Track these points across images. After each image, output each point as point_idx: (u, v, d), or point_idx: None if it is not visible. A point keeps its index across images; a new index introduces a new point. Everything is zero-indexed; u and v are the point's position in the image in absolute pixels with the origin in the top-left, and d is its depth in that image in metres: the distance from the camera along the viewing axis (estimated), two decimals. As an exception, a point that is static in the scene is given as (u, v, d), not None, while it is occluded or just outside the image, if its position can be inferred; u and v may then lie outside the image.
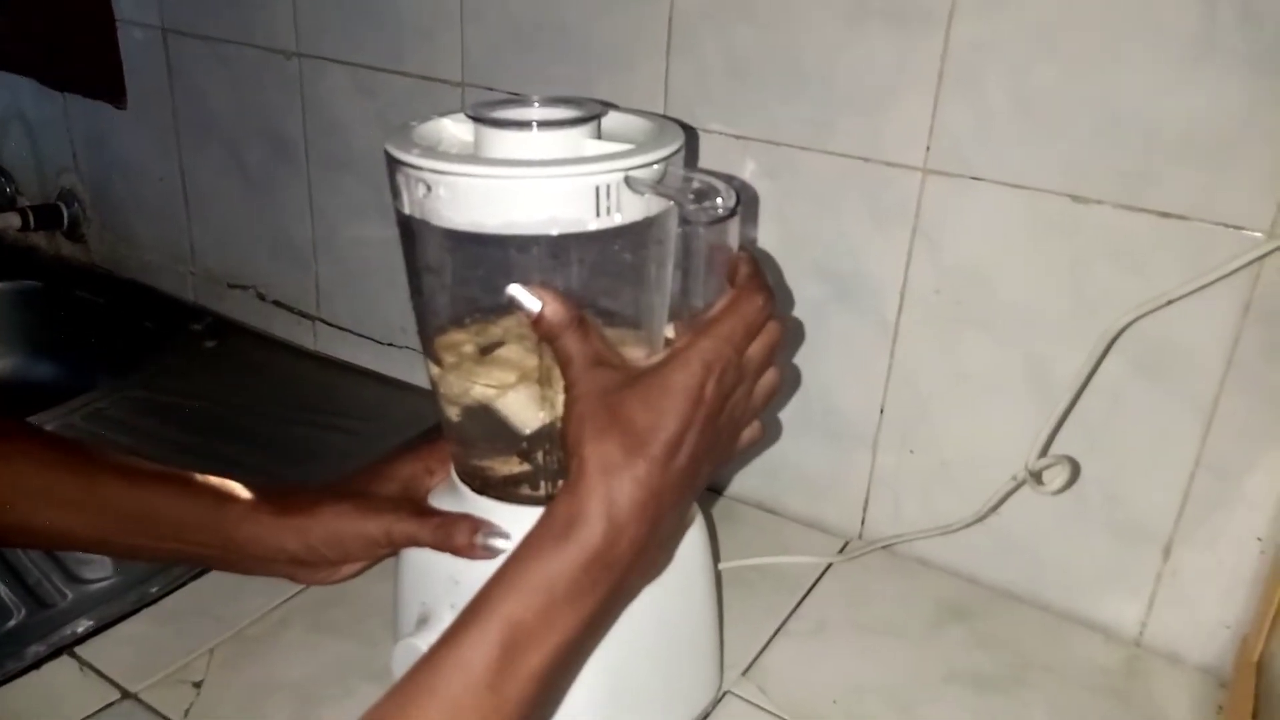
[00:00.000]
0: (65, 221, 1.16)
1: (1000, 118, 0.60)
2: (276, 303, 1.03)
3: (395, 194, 0.44)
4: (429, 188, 0.41)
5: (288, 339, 1.03)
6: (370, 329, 0.97)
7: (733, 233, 0.42)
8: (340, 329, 0.99)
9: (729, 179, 0.43)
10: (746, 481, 0.78)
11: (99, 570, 0.69)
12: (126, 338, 1.06)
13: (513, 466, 0.49)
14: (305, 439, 0.85)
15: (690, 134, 0.69)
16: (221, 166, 1.00)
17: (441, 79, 0.81)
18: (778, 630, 0.66)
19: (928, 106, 0.62)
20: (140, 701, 0.58)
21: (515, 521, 0.49)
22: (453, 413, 0.49)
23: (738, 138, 0.69)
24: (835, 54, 0.64)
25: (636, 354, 0.45)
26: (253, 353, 1.02)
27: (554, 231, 0.41)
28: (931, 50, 0.61)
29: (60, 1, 1.04)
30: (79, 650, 0.62)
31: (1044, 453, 0.59)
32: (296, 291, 1.01)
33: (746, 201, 0.68)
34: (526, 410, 0.47)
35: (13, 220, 1.15)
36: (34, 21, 1.08)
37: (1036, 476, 0.59)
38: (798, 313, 0.72)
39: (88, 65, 1.05)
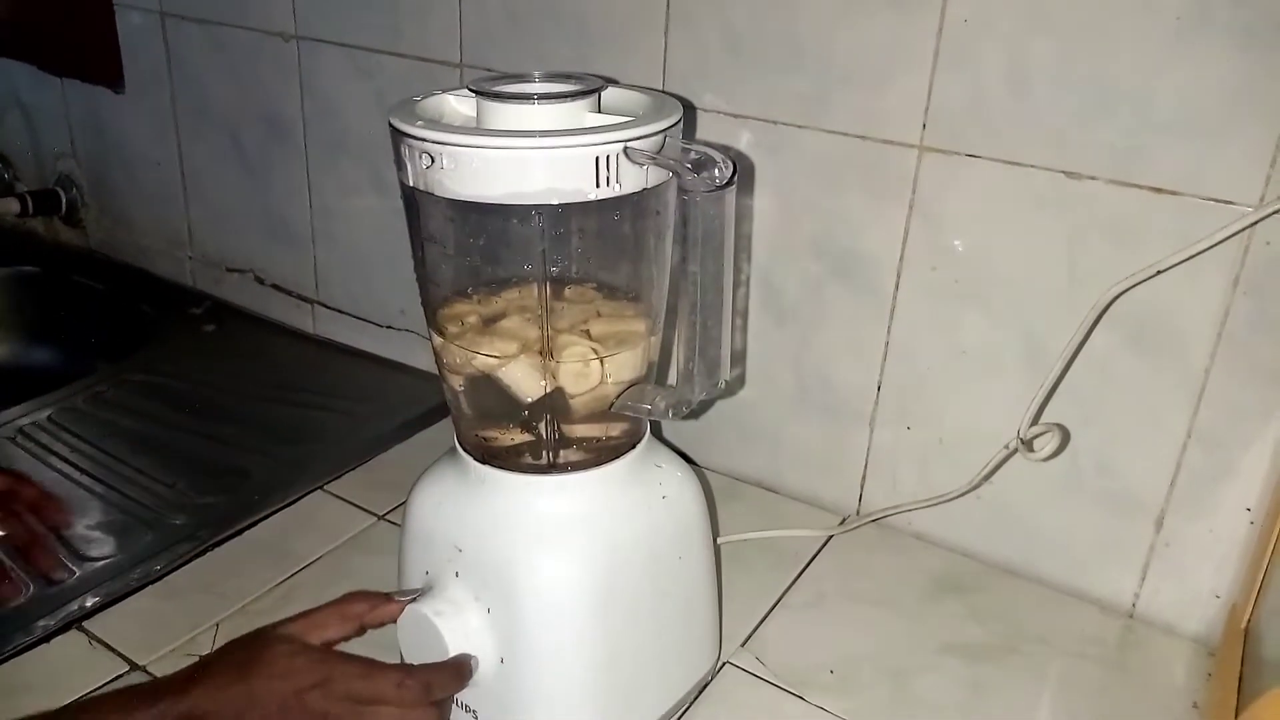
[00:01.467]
0: (63, 206, 1.16)
1: (995, 95, 0.61)
2: (275, 286, 1.03)
3: (399, 166, 0.44)
4: (433, 159, 0.42)
5: (286, 322, 1.03)
6: (369, 311, 0.97)
7: (729, 202, 0.42)
8: (339, 312, 0.99)
9: (725, 149, 0.43)
10: (745, 459, 0.79)
11: (104, 548, 0.70)
12: (125, 322, 1.06)
13: (515, 436, 0.49)
14: (304, 421, 0.86)
15: (688, 109, 0.69)
16: (219, 150, 1.01)
17: (439, 60, 0.82)
18: (776, 603, 0.66)
19: (924, 84, 0.63)
20: (148, 673, 0.59)
21: (519, 490, 0.49)
22: (456, 382, 0.50)
23: (736, 116, 0.70)
24: (832, 31, 0.64)
25: (637, 326, 0.46)
26: (251, 336, 1.02)
27: (555, 201, 0.41)
28: (927, 27, 0.61)
29: (57, -15, 1.04)
30: (87, 624, 0.62)
31: (1035, 421, 0.60)
32: (295, 275, 1.01)
33: (742, 172, 0.68)
34: (528, 380, 0.47)
35: (11, 206, 1.15)
36: (31, 6, 1.07)
37: (1028, 444, 0.60)
38: (795, 289, 0.72)
39: (85, 50, 1.05)
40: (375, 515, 0.75)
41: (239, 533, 0.72)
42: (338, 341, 1.00)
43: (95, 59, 1.05)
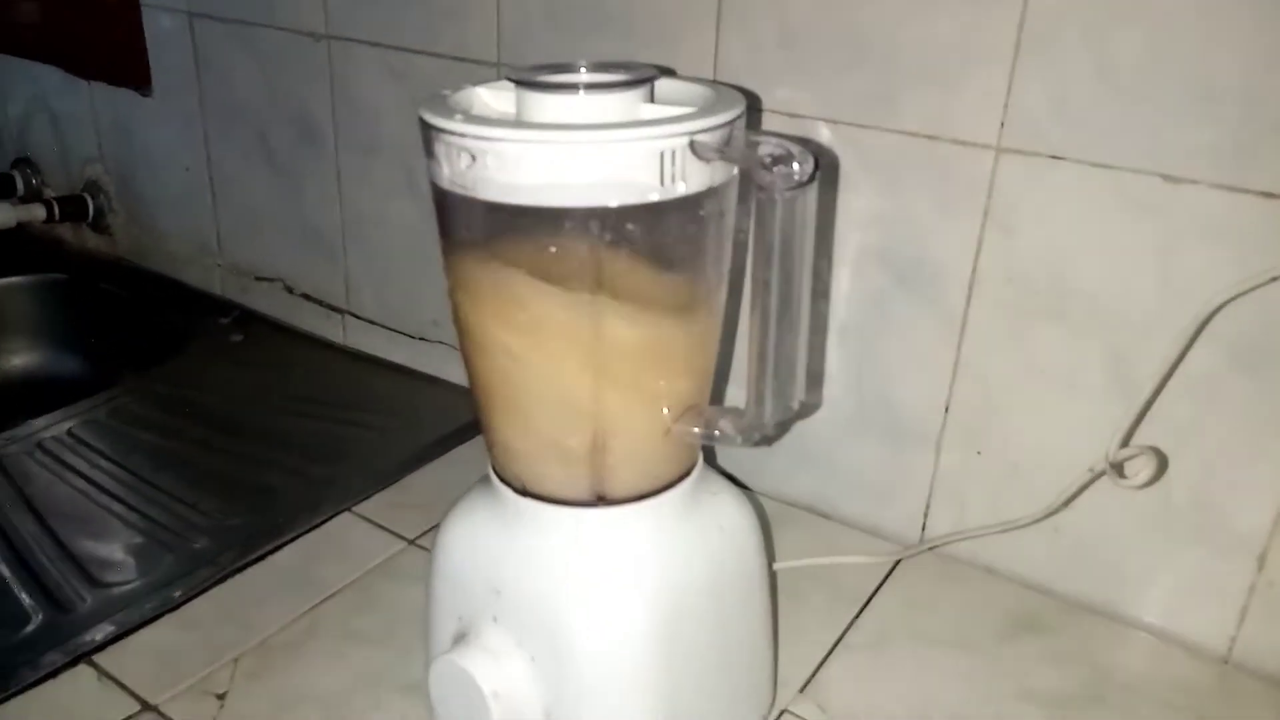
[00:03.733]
0: (90, 213, 1.14)
1: (1083, 90, 0.56)
2: (305, 295, 1.00)
3: (432, 167, 0.40)
4: (473, 158, 0.37)
5: (316, 333, 1.00)
6: (401, 322, 0.93)
7: (809, 202, 0.38)
8: (370, 322, 0.96)
9: (805, 142, 0.39)
10: (799, 483, 0.74)
11: (120, 573, 0.66)
12: (152, 332, 1.04)
13: (559, 463, 0.45)
14: (333, 436, 0.82)
15: (752, 100, 0.64)
16: (248, 154, 0.97)
17: (476, 59, 0.78)
18: (836, 643, 0.61)
19: (1003, 79, 0.58)
20: (161, 715, 0.55)
21: (563, 524, 0.45)
22: (492, 404, 0.45)
23: (793, 115, 0.65)
24: (900, 23, 0.60)
25: (697, 341, 0.41)
26: (280, 347, 0.99)
27: (614, 203, 0.37)
28: (1007, 16, 0.56)
29: (85, -13, 1.02)
30: (98, 659, 0.59)
31: (1125, 443, 0.54)
32: (325, 283, 0.98)
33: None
34: (575, 400, 0.42)
35: (38, 212, 1.13)
36: (59, 9, 1.05)
37: (1118, 469, 0.54)
38: (857, 302, 0.67)
39: (113, 52, 1.03)
40: (405, 540, 0.70)
41: (262, 558, 0.68)
42: (368, 353, 0.96)
43: (122, 61, 1.02)
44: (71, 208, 1.13)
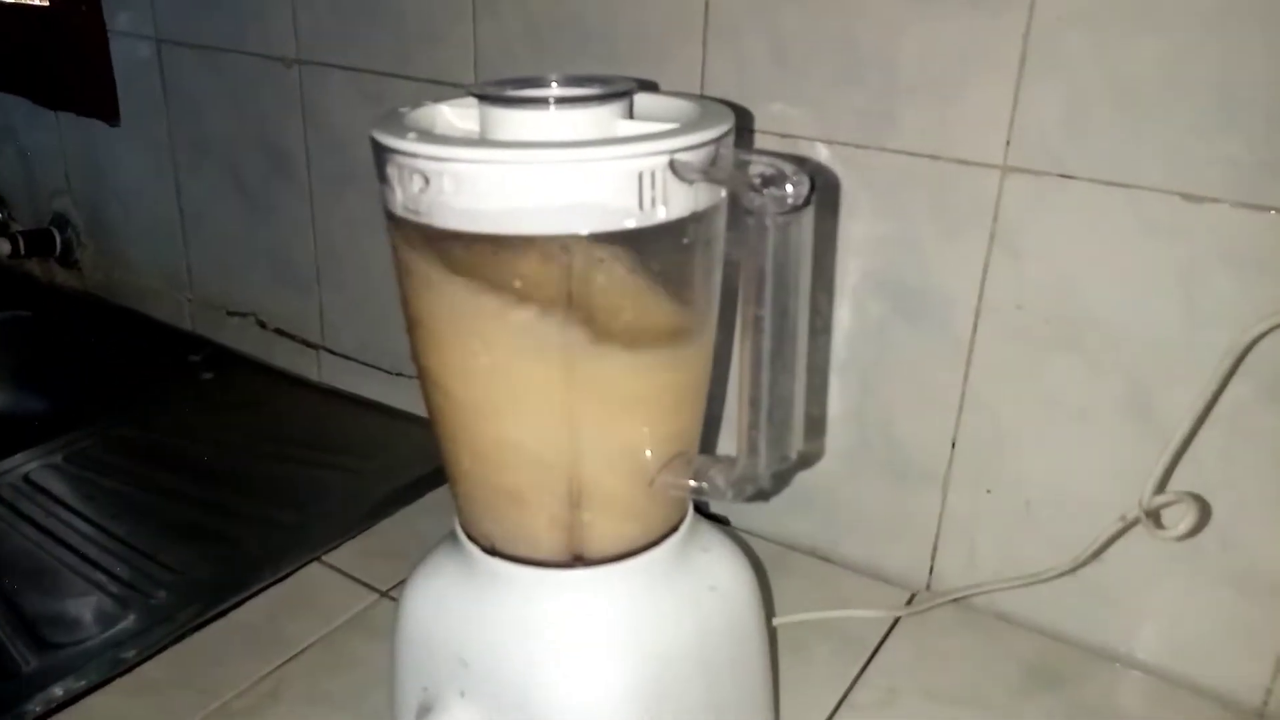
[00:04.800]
0: (58, 247, 1.10)
1: (1094, 104, 0.52)
2: (278, 330, 0.96)
3: (385, 192, 0.36)
4: (427, 180, 0.33)
5: (290, 369, 0.96)
6: (378, 358, 0.89)
7: (805, 227, 0.34)
8: (346, 358, 0.92)
9: (799, 161, 0.35)
10: (797, 524, 0.70)
11: (70, 632, 0.62)
12: (120, 370, 1.00)
13: (532, 520, 0.40)
14: (304, 479, 0.78)
15: (742, 115, 0.61)
16: (219, 185, 0.94)
17: (452, 82, 0.74)
18: (841, 701, 0.57)
19: (1008, 93, 0.54)
20: (101, 795, 0.50)
21: (537, 587, 0.40)
22: (458, 455, 0.41)
23: (784, 136, 0.61)
24: (898, 36, 0.56)
25: (681, 383, 0.37)
26: (252, 385, 0.95)
27: (585, 230, 0.33)
28: (1012, 27, 0.53)
29: (51, 14, 0.98)
30: (37, 730, 0.54)
31: (1160, 489, 0.50)
32: (299, 318, 0.94)
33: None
34: (548, 449, 0.38)
35: (4, 247, 1.09)
36: (23, 36, 1.02)
37: (1154, 517, 0.50)
38: (856, 331, 0.63)
39: (80, 81, 0.99)
40: (378, 591, 0.66)
41: (224, 613, 0.64)
42: (344, 390, 0.92)
43: (90, 90, 0.98)
44: (38, 242, 1.10)
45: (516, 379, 0.37)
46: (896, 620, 0.63)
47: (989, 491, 0.62)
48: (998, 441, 0.61)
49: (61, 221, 1.10)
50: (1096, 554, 0.56)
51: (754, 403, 0.36)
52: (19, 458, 0.81)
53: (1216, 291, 0.52)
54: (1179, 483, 0.53)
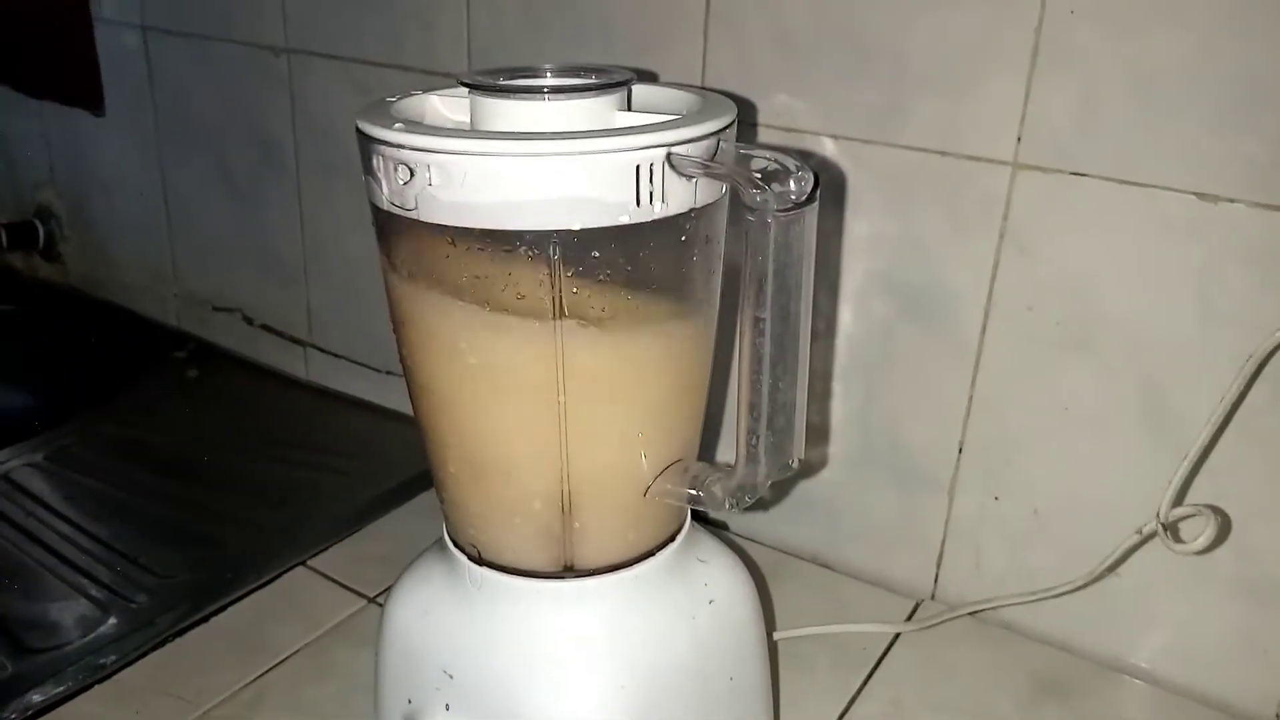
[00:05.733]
0: (41, 240, 1.08)
1: (1107, 100, 0.50)
2: (264, 326, 0.94)
3: (370, 185, 0.34)
4: (412, 172, 0.31)
5: (276, 366, 0.94)
6: (367, 355, 0.87)
7: (808, 225, 0.32)
8: (334, 355, 0.90)
9: (803, 156, 0.33)
10: (799, 530, 0.68)
11: (49, 637, 0.60)
12: (103, 367, 0.98)
13: (521, 528, 0.38)
14: (290, 480, 0.76)
15: (745, 108, 0.59)
16: (205, 176, 0.92)
17: (444, 71, 0.72)
18: (843, 714, 0.55)
19: (1019, 88, 0.52)
20: (73, 811, 0.48)
21: (527, 598, 0.39)
22: (446, 460, 0.39)
23: (789, 130, 0.59)
24: (907, 26, 0.54)
25: (678, 387, 0.35)
26: (237, 382, 0.93)
27: (578, 225, 0.31)
28: (1024, 19, 0.51)
29: (35, 1, 0.96)
30: (8, 741, 0.52)
31: (1178, 501, 0.48)
32: (286, 314, 0.91)
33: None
34: (538, 455, 0.36)
35: (-14, 240, 1.07)
36: (7, 23, 0.99)
37: (1172, 530, 0.48)
38: (860, 333, 0.61)
39: (64, 69, 0.97)
40: (365, 597, 0.64)
41: (206, 618, 0.62)
42: (331, 388, 0.90)
43: (73, 78, 0.96)
44: (20, 235, 1.08)
45: (505, 381, 0.35)
46: (900, 631, 0.61)
47: (996, 498, 0.60)
48: (1006, 447, 0.59)
49: (45, 213, 1.08)
50: (1112, 568, 0.54)
51: (754, 409, 0.34)
52: (-2, 456, 0.79)
53: (1233, 293, 0.50)
54: (1196, 491, 0.52)
